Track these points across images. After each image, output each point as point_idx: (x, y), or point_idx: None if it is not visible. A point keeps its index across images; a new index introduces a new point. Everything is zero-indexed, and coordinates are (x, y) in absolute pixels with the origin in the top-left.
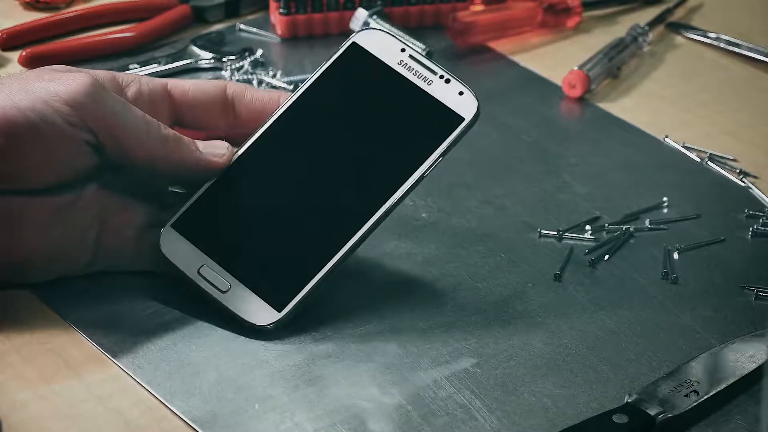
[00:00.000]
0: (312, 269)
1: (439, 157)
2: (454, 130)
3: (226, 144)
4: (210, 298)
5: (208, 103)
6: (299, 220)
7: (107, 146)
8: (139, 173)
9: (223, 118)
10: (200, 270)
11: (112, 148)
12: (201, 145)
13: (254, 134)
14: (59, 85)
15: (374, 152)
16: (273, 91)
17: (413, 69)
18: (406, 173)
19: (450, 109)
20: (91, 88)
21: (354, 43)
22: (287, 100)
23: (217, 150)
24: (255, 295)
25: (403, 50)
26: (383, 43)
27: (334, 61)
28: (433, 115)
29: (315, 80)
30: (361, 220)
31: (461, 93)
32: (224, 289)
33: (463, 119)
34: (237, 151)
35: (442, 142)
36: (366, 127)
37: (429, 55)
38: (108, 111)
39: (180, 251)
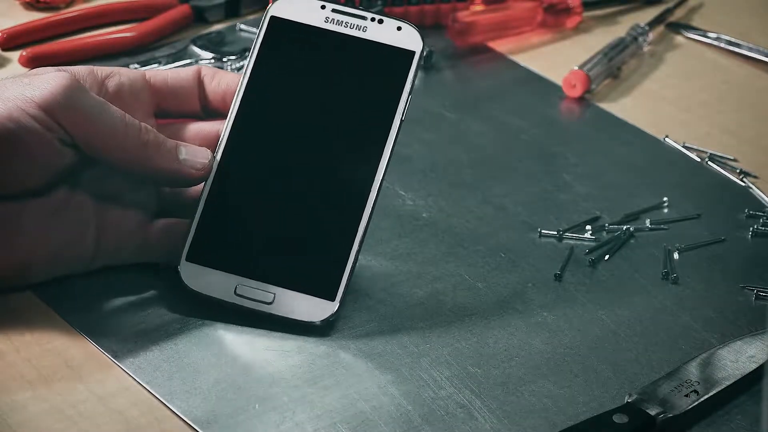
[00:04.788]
0: (344, 247)
1: (407, 97)
2: (410, 67)
3: (209, 153)
4: (256, 313)
5: (186, 89)
6: (308, 204)
7: (83, 148)
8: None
9: (200, 102)
10: (237, 290)
11: (88, 149)
12: (183, 150)
13: (221, 139)
14: (34, 89)
15: (348, 115)
16: (238, 75)
17: (342, 21)
18: (386, 124)
19: (396, 47)
20: (66, 90)
21: (273, 17)
22: (236, 96)
23: (197, 160)
24: (303, 295)
25: (323, 7)
26: (300, 6)
27: (262, 43)
28: (384, 59)
29: (253, 67)
30: (368, 182)
31: (399, 28)
32: (269, 301)
33: (413, 53)
34: (214, 157)
35: (405, 82)
36: (327, 94)
37: (429, 55)
38: (84, 113)
39: (207, 281)
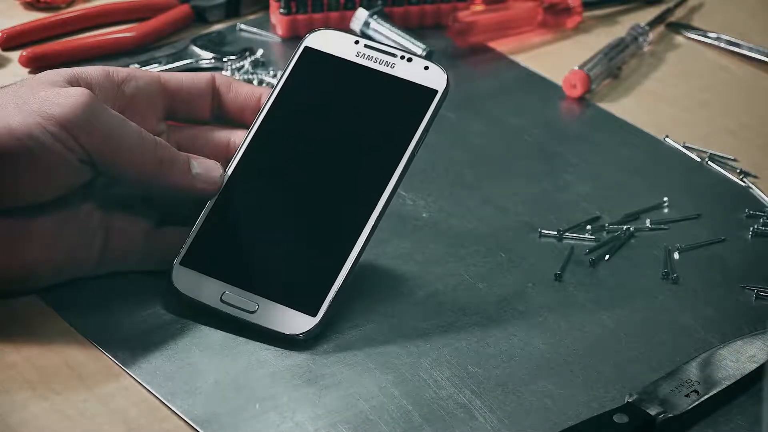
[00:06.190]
0: (334, 267)
1: (423, 134)
2: (430, 105)
3: (220, 168)
4: (239, 321)
5: (200, 95)
6: (307, 224)
7: (100, 165)
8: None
9: (211, 109)
10: (222, 297)
11: (104, 166)
12: (195, 164)
13: (237, 153)
14: (55, 106)
15: (361, 145)
16: (255, 87)
17: (373, 57)
18: (396, 157)
19: (420, 85)
20: (86, 108)
21: (306, 47)
22: (259, 115)
23: (210, 174)
24: (285, 308)
25: (356, 42)
26: (334, 40)
27: (293, 69)
28: (407, 96)
29: (280, 91)
30: (368, 211)
31: (426, 68)
32: (252, 310)
33: (435, 91)
34: (226, 172)
35: (422, 119)
36: (345, 123)
37: (429, 55)
38: (104, 132)
39: (196, 285)
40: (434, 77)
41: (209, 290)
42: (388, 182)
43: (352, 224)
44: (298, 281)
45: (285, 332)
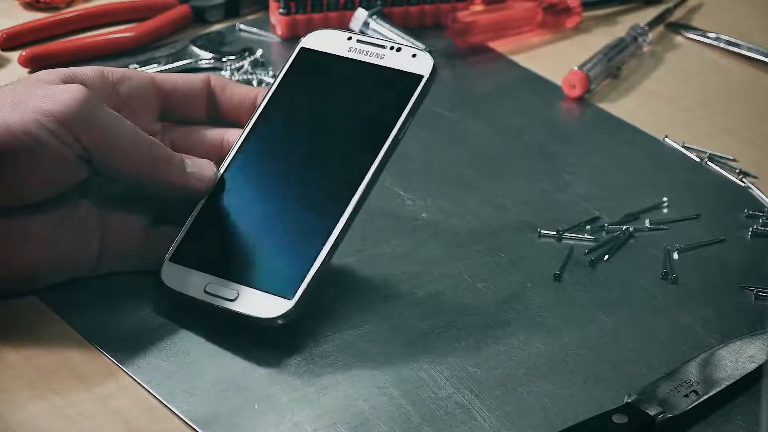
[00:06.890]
0: (311, 253)
1: (408, 117)
2: (415, 89)
3: (213, 167)
4: (221, 311)
5: (195, 96)
6: (289, 214)
7: (97, 162)
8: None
9: (206, 110)
10: (206, 288)
11: (101, 163)
12: (189, 164)
13: (230, 152)
14: (52, 102)
15: (346, 133)
16: (250, 88)
17: (364, 50)
18: (380, 140)
19: (407, 72)
20: (83, 104)
21: (303, 48)
22: (253, 115)
23: (203, 173)
24: (263, 293)
25: (349, 38)
26: (329, 38)
27: (288, 70)
28: (394, 83)
29: (275, 90)
30: (348, 196)
31: (414, 55)
32: (232, 297)
33: (421, 77)
34: (219, 170)
35: (408, 103)
36: (338, 118)
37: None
38: (100, 127)
39: (182, 279)
40: (421, 64)
41: (194, 283)
42: (369, 167)
43: (331, 209)
44: (276, 267)
45: (261, 316)
